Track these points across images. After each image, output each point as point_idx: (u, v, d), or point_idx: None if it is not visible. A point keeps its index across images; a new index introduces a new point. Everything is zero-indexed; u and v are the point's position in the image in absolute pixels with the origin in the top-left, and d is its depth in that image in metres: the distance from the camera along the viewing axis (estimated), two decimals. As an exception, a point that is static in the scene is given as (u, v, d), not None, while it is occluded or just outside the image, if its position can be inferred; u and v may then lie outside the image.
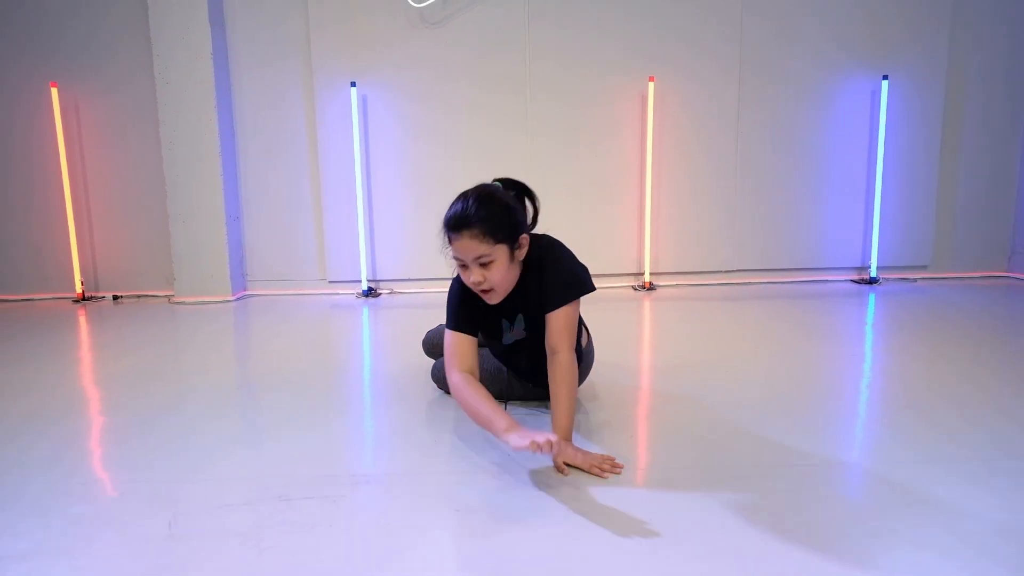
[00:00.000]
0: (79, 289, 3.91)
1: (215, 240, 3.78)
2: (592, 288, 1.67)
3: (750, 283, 4.11)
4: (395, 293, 4.02)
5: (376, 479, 1.51)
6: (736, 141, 3.98)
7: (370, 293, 3.95)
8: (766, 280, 4.14)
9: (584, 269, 1.69)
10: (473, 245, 1.51)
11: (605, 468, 1.49)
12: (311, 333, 3.11)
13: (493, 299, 1.60)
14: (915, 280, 4.12)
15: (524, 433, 1.38)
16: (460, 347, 1.64)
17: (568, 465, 1.51)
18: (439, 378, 2.07)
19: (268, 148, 3.91)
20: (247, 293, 4.03)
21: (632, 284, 4.07)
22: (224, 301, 3.83)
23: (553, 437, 1.33)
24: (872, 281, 4.05)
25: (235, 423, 1.91)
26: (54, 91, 3.74)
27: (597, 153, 3.94)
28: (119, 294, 4.00)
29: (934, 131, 4.00)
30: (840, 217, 4.10)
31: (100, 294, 4.00)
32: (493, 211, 1.53)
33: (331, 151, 3.89)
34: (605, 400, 2.03)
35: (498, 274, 1.54)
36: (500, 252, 1.53)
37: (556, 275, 1.62)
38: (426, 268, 4.00)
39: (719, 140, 3.98)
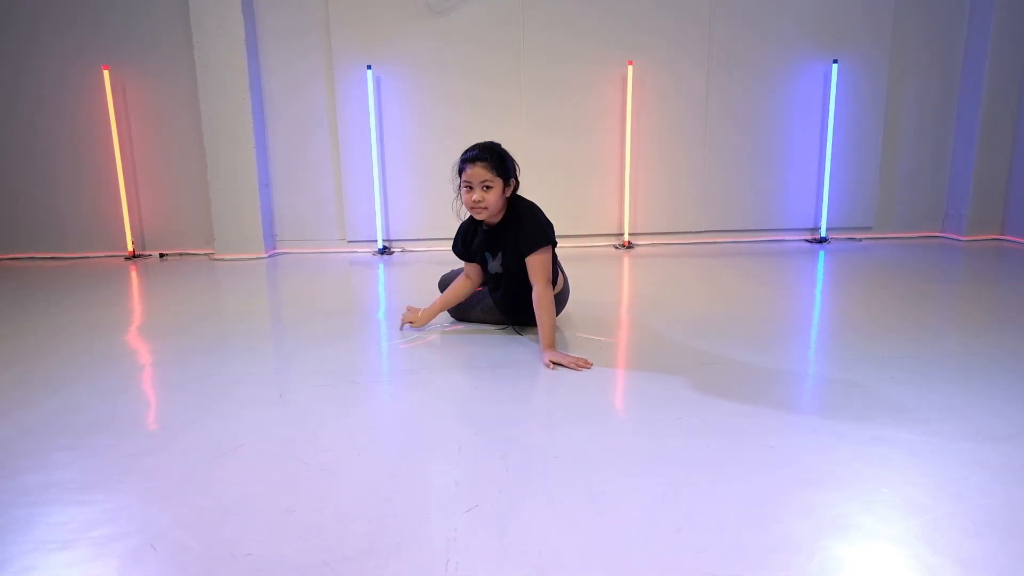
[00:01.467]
0: (130, 248, 4.46)
1: (250, 205, 4.32)
2: (554, 241, 2.28)
3: (716, 242, 4.70)
4: (407, 251, 4.59)
5: (403, 374, 2.11)
6: (705, 118, 4.53)
7: (385, 251, 4.51)
8: (730, 240, 4.73)
9: (550, 225, 2.30)
10: (482, 172, 2.18)
11: (581, 364, 2.10)
12: (337, 283, 3.68)
13: (483, 215, 2.24)
14: (860, 239, 4.71)
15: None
16: (467, 267, 2.50)
17: (553, 363, 2.12)
18: (443, 283, 2.77)
19: (294, 124, 4.43)
20: (277, 251, 4.59)
21: (613, 243, 4.65)
22: (258, 258, 4.39)
23: None
24: (823, 240, 4.64)
25: (292, 342, 2.50)
26: (106, 73, 4.25)
27: (580, 119, 4.48)
28: (165, 252, 4.55)
29: (878, 108, 4.56)
30: (795, 184, 4.67)
31: (148, 252, 4.55)
32: (499, 153, 2.22)
33: (349, 126, 4.42)
34: (586, 326, 2.62)
35: (493, 197, 2.20)
36: (497, 183, 2.19)
37: (530, 228, 2.24)
38: (433, 228, 4.56)
39: (690, 117, 4.52)
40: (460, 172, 2.24)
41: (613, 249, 4.54)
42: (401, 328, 2.58)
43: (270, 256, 4.47)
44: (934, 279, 3.48)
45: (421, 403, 1.86)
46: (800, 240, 4.73)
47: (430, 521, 1.26)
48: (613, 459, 1.50)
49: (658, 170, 4.59)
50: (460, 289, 2.54)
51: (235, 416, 1.78)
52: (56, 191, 4.44)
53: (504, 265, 2.37)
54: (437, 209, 4.52)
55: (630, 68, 4.37)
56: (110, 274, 4.00)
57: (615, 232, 4.66)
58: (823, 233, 4.66)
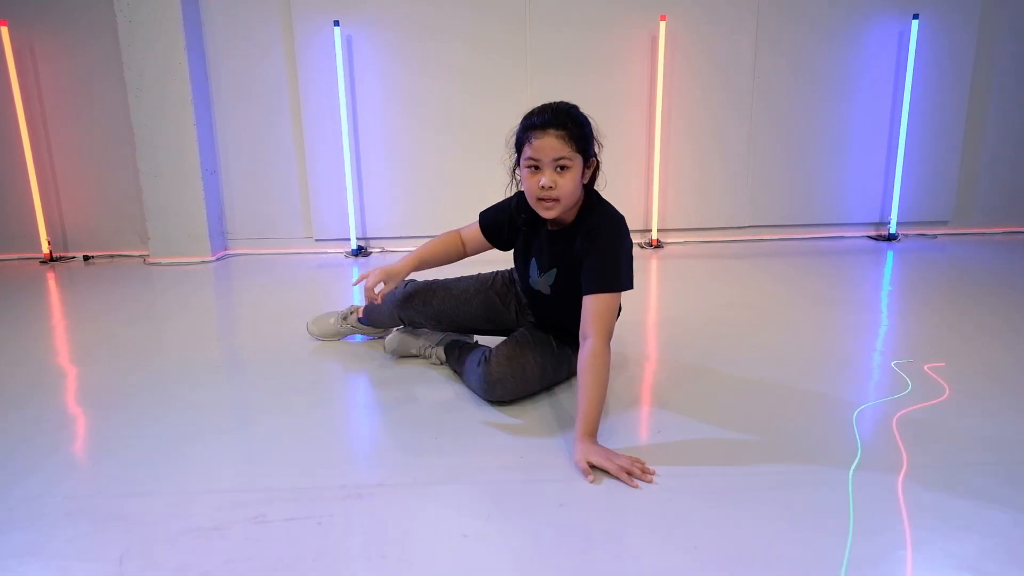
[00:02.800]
0: (46, 249, 3.64)
1: (191, 196, 3.50)
2: (630, 287, 1.54)
3: (762, 240, 3.89)
4: (387, 252, 3.78)
5: (370, 491, 1.31)
6: (752, 87, 3.69)
7: (360, 252, 3.70)
8: (779, 236, 3.92)
9: (631, 264, 1.56)
10: (557, 145, 1.45)
11: (635, 473, 1.30)
12: (297, 297, 2.89)
13: (552, 212, 1.51)
14: (935, 236, 3.91)
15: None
16: (471, 231, 1.78)
17: (592, 466, 1.32)
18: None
19: (245, 95, 3.59)
20: (228, 253, 3.77)
21: (638, 242, 3.84)
22: (203, 262, 3.58)
23: None
24: (891, 238, 3.84)
25: (210, 410, 1.71)
26: (3, 30, 3.39)
27: (601, 98, 3.64)
28: (90, 254, 3.73)
29: (963, 76, 3.72)
30: (859, 170, 3.85)
31: (70, 254, 3.73)
32: (580, 121, 1.50)
33: (314, 97, 3.57)
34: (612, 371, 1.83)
35: (570, 183, 1.47)
36: (576, 163, 1.48)
37: (607, 257, 1.51)
38: (421, 225, 3.74)
39: (733, 86, 3.68)
40: (520, 145, 1.52)
41: (639, 249, 3.74)
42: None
43: (218, 259, 3.65)
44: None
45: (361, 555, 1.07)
46: (863, 237, 3.92)
47: None
48: None
49: (693, 154, 3.76)
50: (448, 248, 1.80)
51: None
52: (-46, 179, 3.61)
53: (555, 286, 1.65)
54: (424, 201, 3.70)
55: (662, 25, 3.51)
56: (20, 282, 3.21)
57: (641, 229, 3.84)
58: (892, 229, 3.85)
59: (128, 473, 1.40)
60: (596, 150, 1.56)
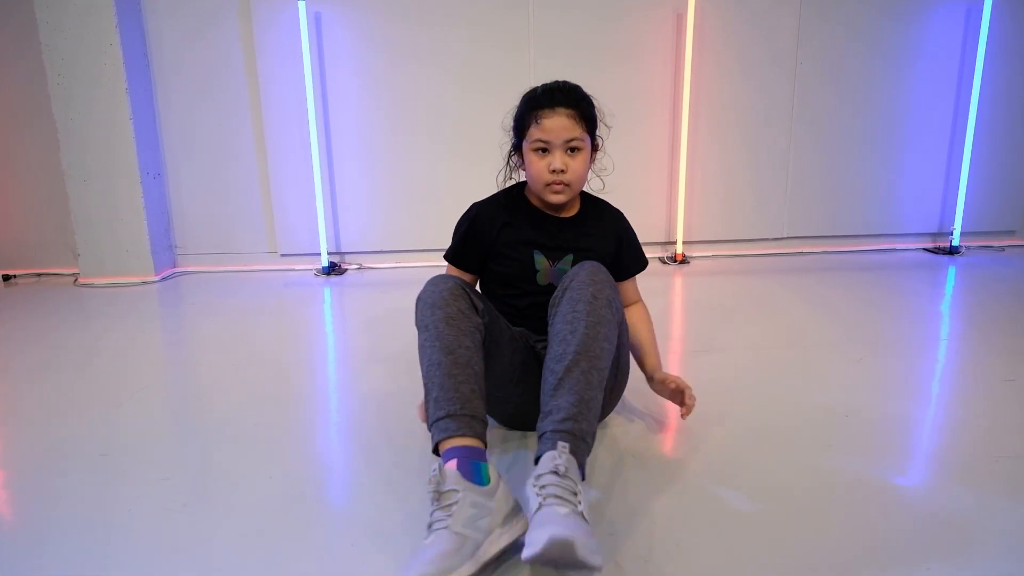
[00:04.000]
0: (-42, 267, 3.07)
1: (129, 204, 2.93)
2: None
3: (802, 253, 3.36)
4: (364, 268, 3.22)
5: None
6: (793, 78, 3.15)
7: (333, 270, 3.14)
8: (822, 249, 3.39)
9: None
10: (569, 125, 1.34)
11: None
12: (261, 324, 2.36)
13: (562, 197, 1.39)
14: (1002, 249, 3.39)
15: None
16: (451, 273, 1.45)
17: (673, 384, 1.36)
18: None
19: (195, 85, 3.02)
20: (176, 270, 3.20)
21: (660, 256, 3.30)
22: (145, 282, 3.01)
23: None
24: (952, 251, 3.31)
25: (148, 496, 1.14)
26: (-100, 5, 2.82)
27: (618, 89, 3.09)
28: (11, 273, 3.16)
29: (1039, 64, 3.20)
30: (917, 171, 3.32)
31: (-12, 273, 3.16)
32: (589, 100, 1.40)
33: (276, 87, 3.01)
34: (649, 438, 1.28)
35: (582, 167, 1.39)
36: (587, 145, 1.39)
37: (635, 239, 1.55)
38: (404, 238, 3.18)
39: (771, 77, 3.14)
40: (523, 126, 1.38)
41: (661, 264, 3.20)
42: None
43: (163, 279, 3.08)
44: None
45: None
46: (919, 249, 3.39)
47: None
48: None
49: (724, 155, 3.22)
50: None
51: None
52: None
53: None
54: (407, 210, 3.14)
55: (691, 4, 2.97)
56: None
57: (663, 241, 3.30)
58: (955, 240, 3.32)
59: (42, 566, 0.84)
60: (600, 134, 1.44)
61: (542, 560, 0.88)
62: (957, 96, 3.23)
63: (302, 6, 2.87)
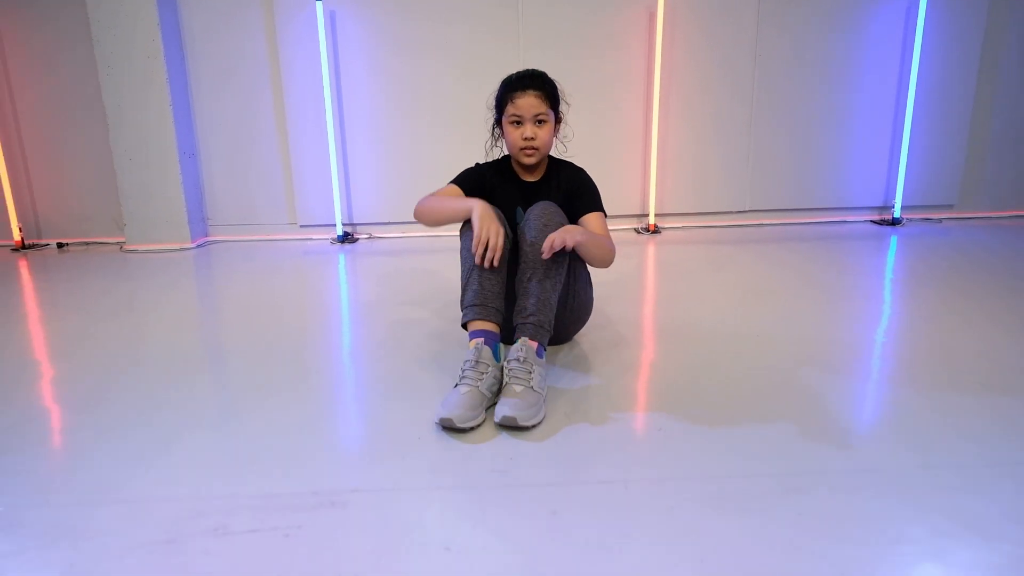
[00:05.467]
0: (17, 236, 3.48)
1: (168, 179, 3.35)
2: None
3: (763, 224, 3.77)
4: (374, 238, 3.65)
5: (344, 498, 1.19)
6: (753, 67, 3.55)
7: (346, 238, 3.57)
8: (780, 222, 3.80)
9: None
10: (536, 103, 1.74)
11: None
12: (282, 285, 2.75)
13: (533, 159, 1.78)
14: (940, 220, 3.80)
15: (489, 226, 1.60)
16: (448, 188, 1.83)
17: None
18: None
19: (223, 74, 3.43)
20: (208, 239, 3.63)
21: (635, 227, 3.72)
22: (182, 249, 3.43)
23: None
24: (895, 222, 3.72)
25: (180, 409, 1.58)
26: (-31, 5, 3.22)
27: (596, 77, 3.49)
28: (64, 241, 3.58)
29: (972, 57, 3.59)
30: (864, 152, 3.73)
31: (43, 241, 3.58)
32: (552, 83, 1.80)
33: (296, 77, 3.42)
34: (613, 353, 1.71)
35: (548, 135, 1.78)
36: (551, 118, 1.79)
37: (593, 187, 1.88)
38: (410, 209, 3.59)
39: (735, 64, 3.54)
40: (501, 104, 1.80)
41: (635, 234, 3.62)
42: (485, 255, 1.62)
43: (198, 246, 3.51)
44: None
45: (400, 546, 0.95)
46: (866, 221, 3.80)
47: None
48: None
49: (692, 136, 3.63)
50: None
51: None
52: (-81, 162, 3.44)
53: None
54: (412, 185, 3.56)
55: (660, 1, 3.37)
56: (-13, 271, 3.06)
57: (638, 214, 3.71)
58: (897, 213, 3.73)
59: (81, 480, 1.28)
60: (562, 110, 1.84)
61: (501, 424, 1.41)
62: (899, 85, 3.62)
63: (319, 5, 3.27)
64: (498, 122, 1.84)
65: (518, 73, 1.80)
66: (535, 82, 1.76)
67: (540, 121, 1.75)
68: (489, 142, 1.91)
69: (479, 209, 1.63)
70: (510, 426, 1.40)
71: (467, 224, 1.69)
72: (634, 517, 1.11)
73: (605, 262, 1.74)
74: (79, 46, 3.31)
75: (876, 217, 3.82)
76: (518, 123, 1.76)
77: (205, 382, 1.76)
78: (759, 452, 1.32)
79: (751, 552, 1.02)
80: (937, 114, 3.66)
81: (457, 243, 1.86)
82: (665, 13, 3.39)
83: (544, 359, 1.57)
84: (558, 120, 1.83)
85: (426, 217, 1.81)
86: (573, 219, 1.80)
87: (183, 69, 3.38)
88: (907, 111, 3.59)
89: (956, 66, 3.60)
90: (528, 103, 1.73)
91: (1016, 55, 3.63)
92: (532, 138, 1.74)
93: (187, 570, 1.01)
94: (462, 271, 1.66)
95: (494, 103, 1.83)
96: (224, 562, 1.02)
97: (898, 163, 3.67)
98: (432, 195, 1.82)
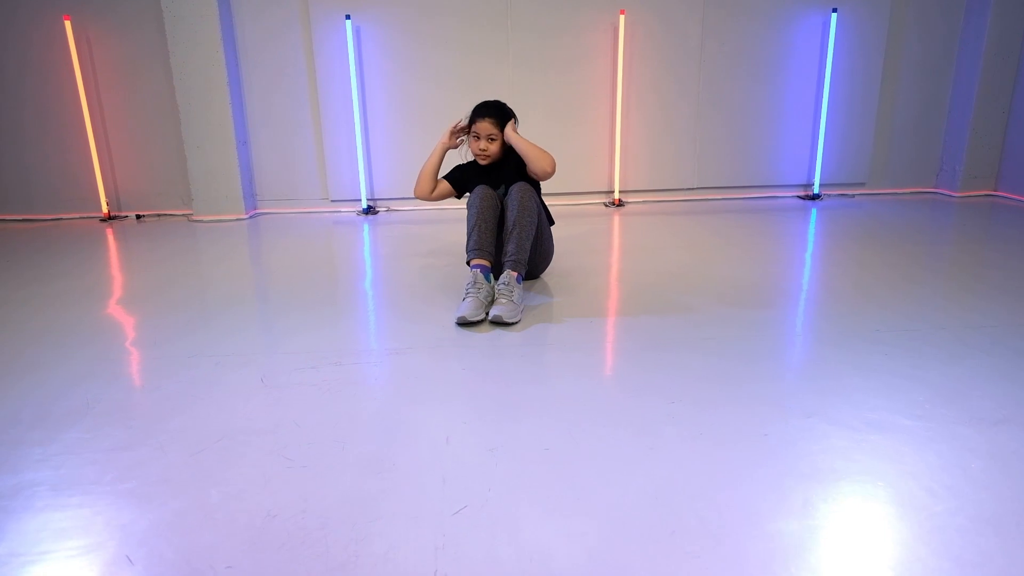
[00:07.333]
0: (105, 209, 4.31)
1: (227, 164, 4.17)
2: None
3: (709, 199, 4.62)
4: (392, 210, 4.48)
5: (404, 350, 2.05)
6: (699, 69, 4.38)
7: (369, 211, 4.40)
8: (723, 196, 4.65)
9: None
10: (488, 127, 2.59)
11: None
12: (318, 247, 3.59)
13: (486, 161, 2.64)
14: (853, 196, 4.65)
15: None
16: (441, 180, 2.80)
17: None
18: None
19: (270, 78, 4.24)
20: (258, 212, 4.46)
21: (603, 201, 4.56)
22: (238, 219, 4.27)
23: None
24: (815, 197, 4.57)
25: (274, 316, 2.43)
26: (67, 24, 4.01)
27: (571, 81, 4.32)
28: (142, 213, 4.41)
29: (876, 60, 4.42)
30: (790, 139, 4.57)
31: (124, 213, 4.41)
32: (504, 111, 2.62)
33: (329, 80, 4.23)
34: (576, 287, 2.57)
35: (495, 148, 2.62)
36: (499, 135, 2.61)
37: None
38: (419, 188, 4.43)
39: (683, 68, 4.37)
40: (471, 122, 2.62)
41: (603, 207, 4.46)
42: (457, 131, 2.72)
43: (251, 217, 4.35)
44: (927, 240, 3.43)
45: (407, 388, 1.81)
46: (793, 197, 4.65)
47: (418, 525, 1.23)
48: (605, 451, 1.47)
49: (649, 125, 4.47)
50: (432, 180, 2.78)
51: (215, 405, 1.72)
52: (23, 149, 4.25)
53: (507, 192, 2.61)
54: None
55: (622, 18, 4.18)
56: (85, 237, 3.88)
57: (605, 190, 4.56)
58: (816, 190, 4.59)
59: (223, 342, 2.13)
60: (513, 116, 2.64)
61: (492, 321, 2.25)
62: (817, 83, 4.46)
63: (348, 24, 4.08)
64: (468, 131, 2.67)
65: (484, 103, 2.63)
66: (490, 111, 2.58)
67: (491, 138, 2.60)
68: (463, 148, 2.76)
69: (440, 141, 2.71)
70: (499, 322, 2.25)
71: (472, 194, 2.54)
72: (567, 364, 1.98)
73: (544, 163, 2.51)
74: (156, 56, 4.11)
75: (801, 193, 4.67)
76: (477, 137, 2.61)
77: (287, 305, 2.61)
78: (700, 329, 2.18)
79: (698, 368, 1.89)
80: (849, 108, 4.50)
81: (461, 214, 2.74)
82: (625, 28, 4.21)
83: (521, 285, 2.43)
84: (502, 131, 2.61)
85: (419, 185, 2.74)
86: (525, 175, 2.62)
87: (238, 75, 4.19)
88: (823, 105, 4.43)
89: (864, 68, 4.44)
90: (483, 127, 2.58)
91: (913, 57, 4.47)
92: (484, 149, 2.61)
93: (324, 376, 1.86)
94: (468, 225, 2.50)
95: (467, 121, 2.65)
96: (341, 377, 1.88)
97: (817, 148, 4.52)
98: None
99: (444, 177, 2.78)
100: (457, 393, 1.77)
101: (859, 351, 1.98)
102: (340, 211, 4.47)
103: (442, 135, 2.72)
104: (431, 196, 2.77)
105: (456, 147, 2.74)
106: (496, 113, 2.59)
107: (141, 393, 1.81)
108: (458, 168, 2.79)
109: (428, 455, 1.46)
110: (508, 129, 2.58)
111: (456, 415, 1.64)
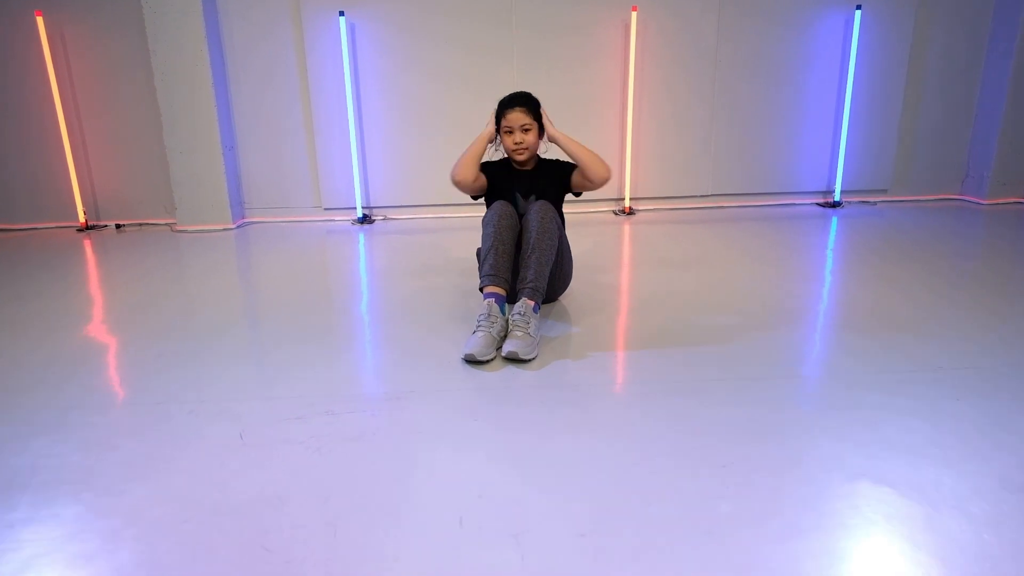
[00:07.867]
0: (82, 218, 4.04)
1: (213, 169, 3.90)
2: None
3: (724, 207, 4.37)
4: (389, 219, 4.22)
5: (407, 395, 1.80)
6: (714, 70, 4.13)
7: (365, 219, 4.14)
8: (739, 204, 4.40)
9: None
10: (522, 116, 2.35)
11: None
12: (311, 259, 3.33)
13: (524, 156, 2.39)
14: (875, 203, 4.41)
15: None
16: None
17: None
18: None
19: (259, 78, 3.97)
20: (246, 221, 4.20)
21: (612, 209, 4.31)
22: (225, 229, 4.00)
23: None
24: (836, 204, 4.34)
25: (259, 348, 2.17)
26: (39, 20, 3.73)
27: (580, 81, 4.07)
28: (121, 223, 4.14)
29: (901, 61, 4.18)
30: (809, 144, 4.32)
31: (103, 223, 4.14)
32: (534, 100, 2.40)
33: (321, 81, 3.97)
34: (593, 312, 2.32)
35: (532, 138, 2.37)
36: (535, 126, 2.38)
37: (567, 166, 2.48)
38: (418, 194, 4.18)
39: (698, 69, 4.12)
40: (499, 118, 2.38)
41: (613, 215, 4.21)
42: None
43: (238, 226, 4.08)
44: (953, 252, 3.20)
45: (409, 447, 1.56)
46: (812, 204, 4.42)
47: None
48: (652, 538, 1.22)
49: (662, 128, 4.22)
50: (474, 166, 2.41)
51: (183, 472, 1.47)
52: (-6, 154, 3.98)
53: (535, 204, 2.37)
54: (421, 172, 4.13)
55: (633, 15, 3.93)
56: (60, 249, 3.62)
57: (615, 197, 4.31)
58: (837, 196, 4.35)
59: (200, 383, 1.87)
60: (545, 120, 2.43)
61: (506, 357, 1.98)
62: (839, 86, 4.21)
63: (342, 20, 3.81)
64: (498, 130, 2.41)
65: (509, 95, 2.40)
66: (520, 100, 2.36)
67: (526, 129, 2.35)
68: (492, 147, 2.47)
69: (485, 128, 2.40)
70: (513, 359, 2.00)
71: (487, 209, 2.28)
72: (594, 415, 1.73)
73: (600, 167, 2.32)
74: (136, 54, 3.84)
75: (820, 200, 4.43)
76: (510, 132, 2.36)
77: (272, 335, 2.35)
78: (710, 365, 1.94)
79: (711, 418, 1.64)
80: (872, 111, 4.26)
81: (464, 223, 2.46)
82: (637, 26, 3.96)
83: (538, 314, 2.17)
84: (541, 128, 2.40)
85: (461, 169, 2.33)
86: (567, 187, 2.44)
87: (224, 74, 3.92)
88: (845, 109, 4.18)
89: (888, 70, 4.19)
90: (515, 117, 2.34)
91: (939, 61, 4.23)
92: (520, 142, 2.35)
93: (313, 431, 1.61)
94: (483, 245, 2.23)
95: (494, 118, 2.39)
96: (335, 429, 1.62)
97: (838, 153, 4.28)
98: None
99: (481, 170, 2.43)
100: (470, 453, 1.52)
101: (875, 389, 1.73)
102: (334, 220, 4.21)
103: (486, 124, 2.41)
104: (472, 185, 2.38)
105: (494, 142, 2.44)
106: (524, 101, 2.36)
107: (98, 454, 1.55)
108: (485, 163, 2.47)
109: (438, 542, 1.21)
110: (550, 127, 2.38)
111: (470, 485, 1.39)
